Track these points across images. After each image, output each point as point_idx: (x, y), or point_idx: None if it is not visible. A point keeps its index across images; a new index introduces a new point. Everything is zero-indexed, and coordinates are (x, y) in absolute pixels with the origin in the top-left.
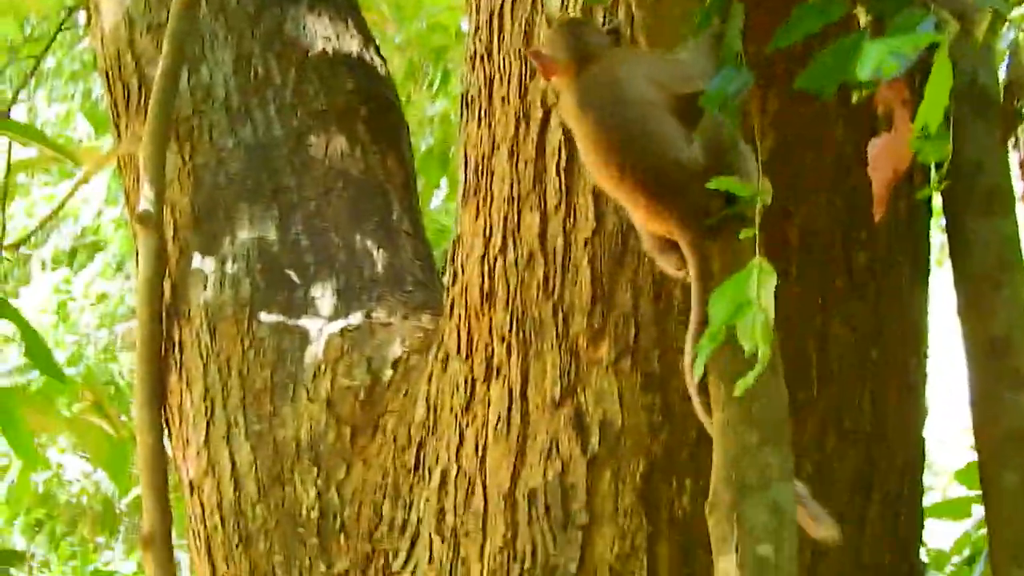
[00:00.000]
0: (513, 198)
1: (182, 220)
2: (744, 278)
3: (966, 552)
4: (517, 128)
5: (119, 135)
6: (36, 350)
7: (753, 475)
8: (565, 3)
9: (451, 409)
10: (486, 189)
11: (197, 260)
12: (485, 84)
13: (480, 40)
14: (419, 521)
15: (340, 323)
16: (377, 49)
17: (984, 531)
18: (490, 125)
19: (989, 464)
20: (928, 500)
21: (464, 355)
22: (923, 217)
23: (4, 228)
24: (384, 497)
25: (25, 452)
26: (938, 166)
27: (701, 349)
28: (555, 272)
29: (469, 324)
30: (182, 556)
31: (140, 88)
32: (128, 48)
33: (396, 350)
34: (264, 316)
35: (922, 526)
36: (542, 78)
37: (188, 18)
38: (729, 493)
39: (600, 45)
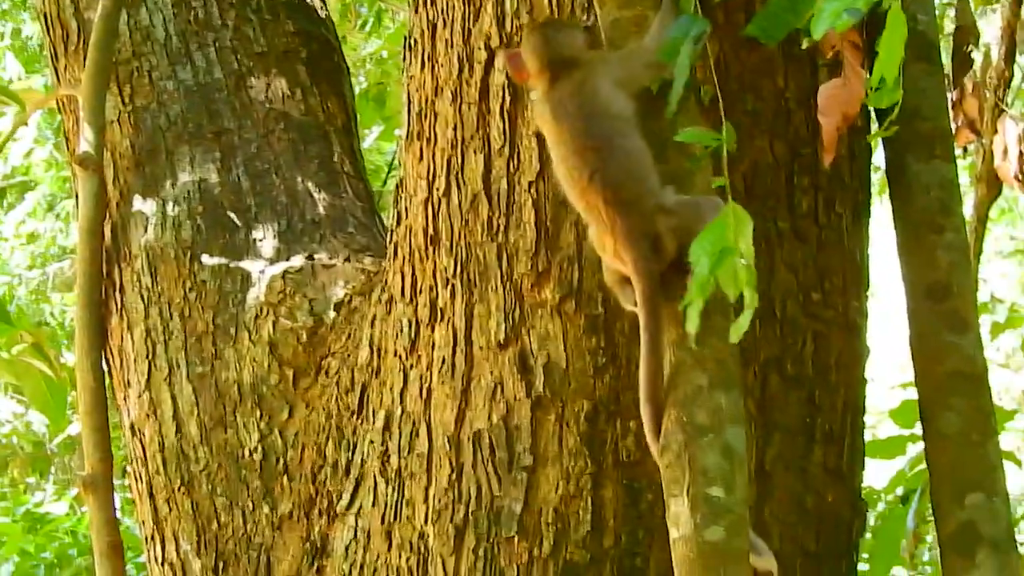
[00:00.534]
0: (457, 141)
1: (122, 162)
2: (721, 226)
3: (899, 491)
4: (461, 71)
5: (58, 77)
6: None
7: (704, 417)
8: None
9: (395, 351)
10: (430, 132)
11: (138, 202)
12: (428, 27)
13: None
14: (363, 463)
15: (282, 265)
16: None
17: (918, 470)
18: (433, 68)
19: (930, 405)
20: None
21: (408, 297)
22: (864, 161)
23: None
24: (328, 439)
25: None
26: (885, 111)
27: (692, 301)
28: (499, 214)
29: (413, 267)
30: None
31: (79, 30)
32: None
33: (339, 292)
34: (206, 258)
35: (863, 466)
36: (515, 78)
37: None
38: (681, 435)
39: (574, 48)
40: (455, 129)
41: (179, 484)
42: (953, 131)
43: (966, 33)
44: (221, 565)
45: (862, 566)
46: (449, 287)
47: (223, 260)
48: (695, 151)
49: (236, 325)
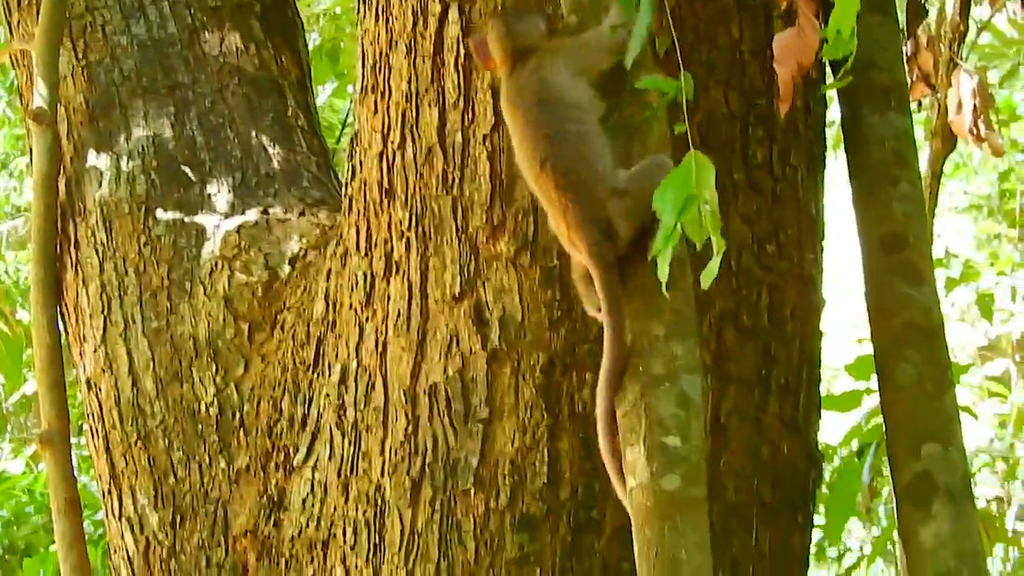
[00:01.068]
0: (411, 94)
1: (77, 117)
2: (684, 173)
3: (854, 445)
4: (415, 24)
5: (11, 32)
6: None
7: (660, 367)
8: None
9: (350, 305)
10: (384, 85)
11: (92, 157)
12: None
13: None
14: (319, 416)
15: (237, 220)
16: None
17: (873, 423)
18: (388, 21)
19: (885, 357)
20: None
21: (363, 251)
22: (819, 114)
23: None
24: (284, 393)
25: None
26: (840, 63)
27: (661, 250)
28: (454, 167)
29: (368, 220)
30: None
31: None
32: None
33: (294, 246)
34: (160, 213)
35: (819, 418)
36: (481, 66)
37: None
38: (637, 385)
39: (534, 36)
40: (409, 82)
41: (135, 439)
42: (908, 85)
43: None
44: (178, 519)
45: (818, 519)
46: (404, 240)
47: (178, 215)
48: (652, 100)
49: (191, 280)
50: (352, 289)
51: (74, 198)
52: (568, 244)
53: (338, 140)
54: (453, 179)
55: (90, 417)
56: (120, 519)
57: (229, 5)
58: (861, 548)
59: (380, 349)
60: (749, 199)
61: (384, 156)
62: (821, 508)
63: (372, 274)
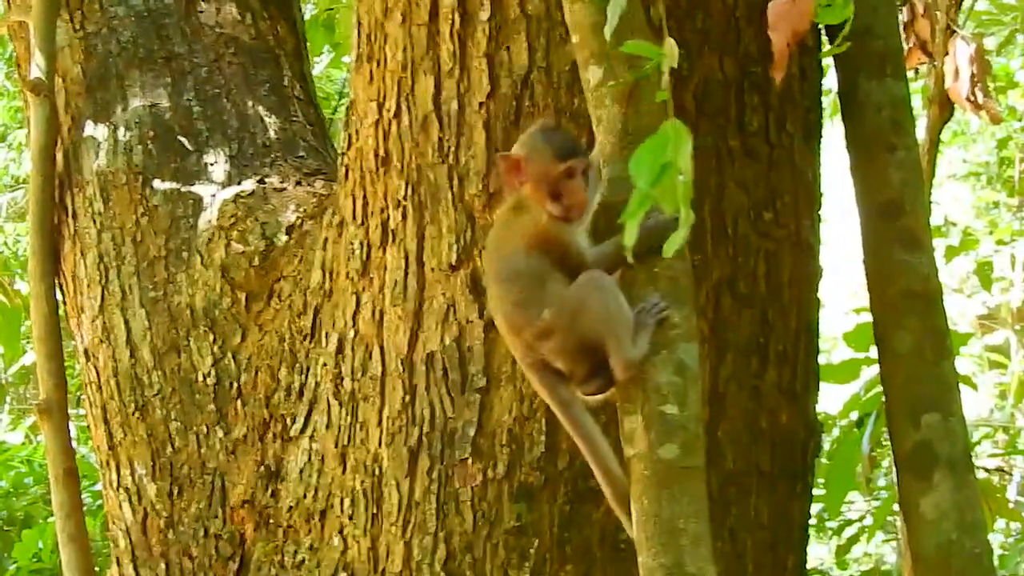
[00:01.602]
0: (407, 62)
1: (74, 88)
2: (661, 141)
3: (854, 415)
4: None
5: (9, 3)
6: None
7: (658, 335)
8: None
9: (347, 274)
10: (380, 54)
11: (89, 128)
12: None
13: None
14: (316, 386)
15: (233, 189)
16: None
17: (872, 393)
18: None
19: (883, 325)
20: None
21: (359, 220)
22: (815, 81)
23: None
24: (281, 363)
25: None
26: (836, 30)
27: (630, 216)
28: (450, 136)
29: (364, 189)
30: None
31: None
32: None
33: (290, 216)
34: (157, 183)
35: (817, 387)
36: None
37: None
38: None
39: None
40: (405, 51)
41: (133, 409)
42: (905, 52)
43: None
44: (176, 489)
45: (818, 491)
46: (400, 209)
47: (175, 185)
48: (641, 64)
49: (188, 249)
50: (349, 258)
51: (71, 169)
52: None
53: (334, 111)
54: (449, 147)
55: (88, 387)
56: (118, 489)
57: None
58: (861, 520)
59: (377, 318)
60: (745, 166)
61: (380, 125)
62: (820, 480)
63: (368, 243)
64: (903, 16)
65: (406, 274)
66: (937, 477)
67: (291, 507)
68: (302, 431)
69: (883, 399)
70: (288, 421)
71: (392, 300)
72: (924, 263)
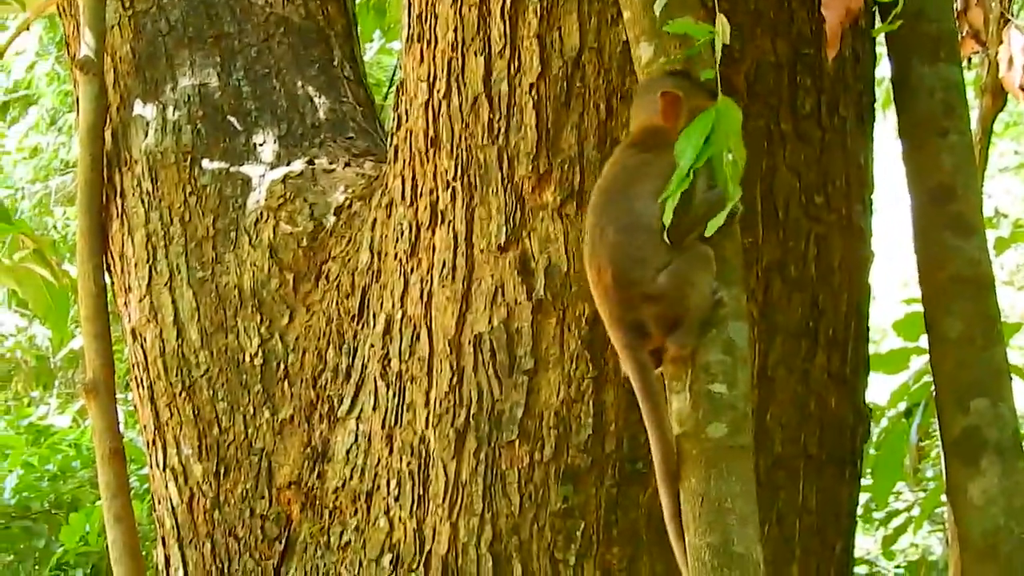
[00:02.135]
0: (457, 43)
1: (123, 67)
2: (708, 119)
3: (902, 405)
4: None
5: None
6: None
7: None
8: None
9: (395, 255)
10: (430, 34)
11: (138, 107)
12: None
13: None
14: (364, 367)
15: (282, 170)
16: None
17: (921, 383)
18: None
19: (933, 310)
20: None
21: (409, 200)
22: (868, 64)
23: None
24: (328, 344)
25: None
26: (888, 8)
27: (670, 194)
28: (500, 117)
29: (414, 170)
30: None
31: None
32: None
33: (339, 196)
34: (206, 163)
35: (867, 372)
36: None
37: None
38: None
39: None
40: (455, 31)
41: (180, 389)
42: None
43: None
44: (223, 470)
45: (865, 481)
46: (450, 190)
47: (223, 165)
48: (694, 43)
49: (236, 230)
50: (397, 239)
51: (120, 148)
52: (606, 326)
53: (385, 97)
54: (499, 128)
55: (135, 367)
56: (164, 469)
57: None
58: (908, 510)
59: (425, 299)
60: (796, 149)
61: (430, 105)
62: (868, 470)
63: (417, 224)
64: (957, 5)
65: (455, 255)
66: (985, 463)
67: (337, 488)
68: (349, 412)
69: (932, 387)
70: (335, 402)
71: (440, 281)
72: (975, 248)
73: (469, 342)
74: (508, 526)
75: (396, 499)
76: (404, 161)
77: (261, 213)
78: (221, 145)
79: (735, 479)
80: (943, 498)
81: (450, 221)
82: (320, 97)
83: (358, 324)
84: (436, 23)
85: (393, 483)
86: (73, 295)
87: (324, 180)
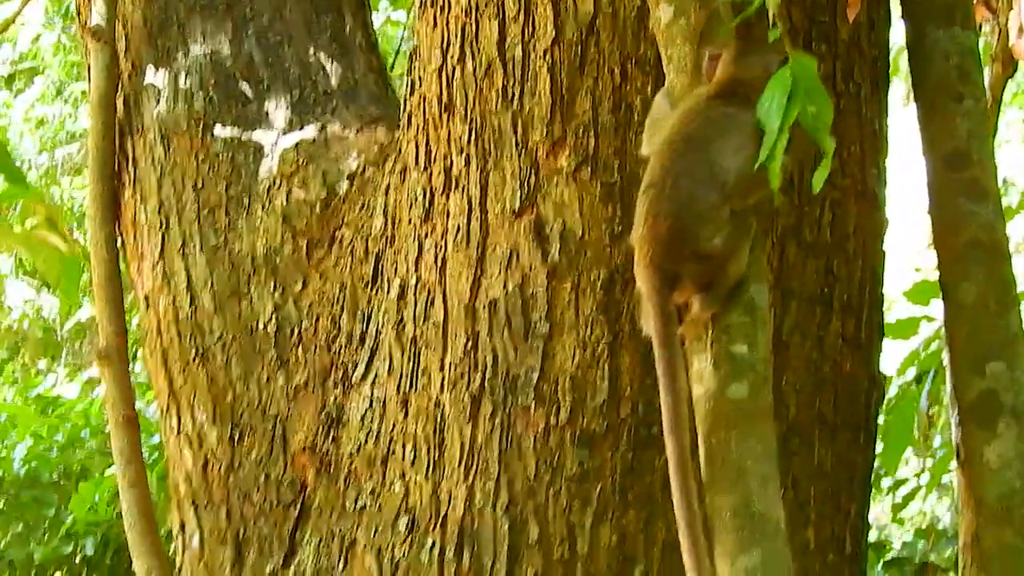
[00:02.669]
0: (471, 8)
1: (134, 34)
2: (785, 78)
3: (911, 372)
4: None
5: None
6: None
7: None
8: None
9: (409, 221)
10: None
11: (150, 74)
12: None
13: None
14: (378, 333)
15: (295, 136)
16: None
17: (931, 350)
18: None
19: (949, 275)
20: None
21: (422, 166)
22: (883, 31)
23: None
24: (342, 309)
25: None
26: None
27: (772, 160)
28: (514, 82)
29: (427, 135)
30: None
31: None
32: None
33: (352, 163)
34: (218, 130)
35: (881, 338)
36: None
37: None
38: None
39: (755, 79)
40: None
41: (194, 355)
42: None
43: None
44: (237, 435)
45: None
46: (464, 155)
47: (236, 132)
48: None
49: (249, 196)
50: (411, 205)
51: (132, 116)
52: (636, 264)
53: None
54: (513, 94)
55: (148, 333)
56: (179, 435)
57: None
58: (917, 476)
59: (439, 264)
60: None
61: (443, 71)
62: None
63: (431, 189)
64: None
65: (469, 220)
66: (1001, 426)
67: (352, 453)
68: (363, 378)
69: (943, 354)
70: (349, 367)
71: (455, 246)
72: (990, 213)
73: (484, 307)
74: (524, 490)
75: (411, 463)
76: (418, 127)
77: (274, 180)
78: (233, 112)
79: (755, 440)
80: (952, 465)
81: (464, 186)
82: (332, 64)
83: (372, 290)
84: None
85: (408, 447)
86: (84, 263)
87: (337, 146)
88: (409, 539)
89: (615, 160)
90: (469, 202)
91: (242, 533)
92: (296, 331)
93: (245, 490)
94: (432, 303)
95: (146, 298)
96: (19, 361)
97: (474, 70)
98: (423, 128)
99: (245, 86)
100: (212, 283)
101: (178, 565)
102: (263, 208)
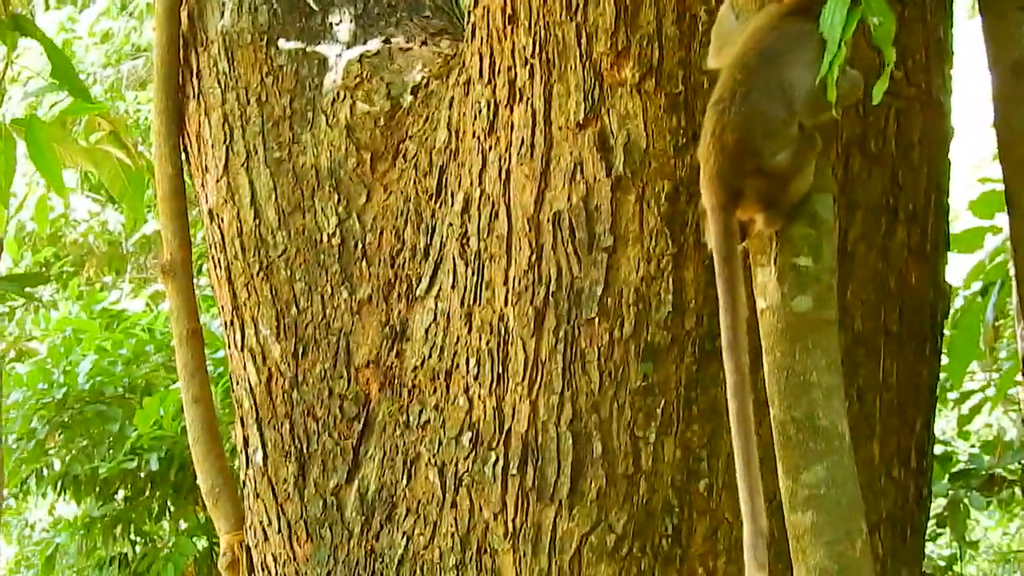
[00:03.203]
0: None
1: None
2: None
3: (977, 285)
4: None
5: None
6: (62, 70)
7: None
8: None
9: (473, 133)
10: None
11: None
12: None
13: None
14: (442, 246)
15: (359, 49)
16: None
17: (997, 262)
18: None
19: (1014, 184)
20: None
21: (486, 78)
22: None
23: None
24: (406, 223)
25: (54, 179)
26: None
27: (828, 72)
28: None
29: (491, 47)
30: None
31: None
32: None
33: (416, 75)
34: (282, 43)
35: (947, 249)
36: None
37: None
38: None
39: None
40: None
41: (258, 269)
42: None
43: None
44: (301, 350)
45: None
46: (528, 67)
47: (300, 44)
48: None
49: (313, 110)
50: (475, 117)
51: (196, 28)
52: (701, 177)
53: None
54: (577, 5)
55: (212, 248)
56: (242, 350)
57: None
58: (983, 390)
59: (503, 177)
60: None
61: None
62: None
63: (495, 102)
64: None
65: (533, 132)
66: None
67: (416, 367)
68: (427, 291)
69: (1009, 265)
70: (413, 281)
71: (519, 159)
72: None
73: (548, 220)
74: (588, 404)
75: (475, 377)
76: (482, 39)
77: (338, 93)
78: (297, 25)
79: (820, 352)
80: (1019, 377)
81: (528, 98)
82: None
83: (436, 203)
84: None
85: (472, 361)
86: (149, 176)
87: (401, 59)
88: (472, 454)
89: (679, 71)
90: (533, 114)
91: (305, 448)
92: (360, 245)
93: (309, 405)
94: (496, 216)
95: (210, 212)
96: (84, 276)
97: None
98: (487, 40)
99: None
100: (276, 197)
101: (242, 480)
102: (327, 121)
